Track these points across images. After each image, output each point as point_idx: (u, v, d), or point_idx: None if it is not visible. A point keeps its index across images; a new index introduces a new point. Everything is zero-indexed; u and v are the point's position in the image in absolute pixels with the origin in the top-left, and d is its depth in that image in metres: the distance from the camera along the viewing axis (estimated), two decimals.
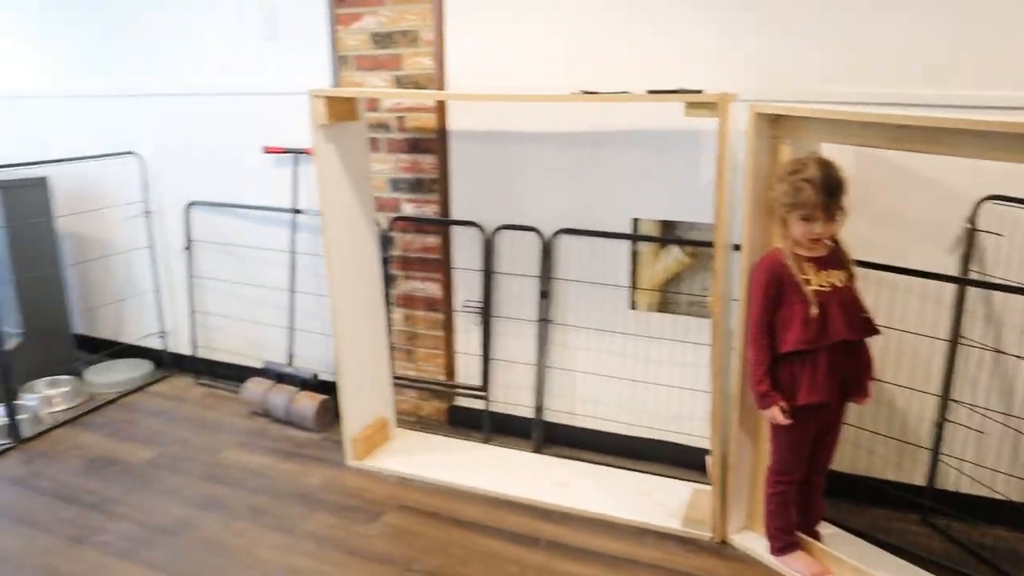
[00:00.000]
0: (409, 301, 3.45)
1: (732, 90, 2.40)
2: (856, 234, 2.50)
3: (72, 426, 3.57)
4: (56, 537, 2.73)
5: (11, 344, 3.72)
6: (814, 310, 2.20)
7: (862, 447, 2.80)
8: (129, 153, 3.91)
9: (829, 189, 2.17)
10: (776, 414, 2.29)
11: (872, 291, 2.63)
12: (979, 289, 2.55)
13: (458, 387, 3.42)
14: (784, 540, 2.45)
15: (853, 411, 2.66)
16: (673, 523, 2.68)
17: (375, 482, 3.02)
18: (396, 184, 3.36)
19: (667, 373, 3.05)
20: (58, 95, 4.08)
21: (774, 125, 2.35)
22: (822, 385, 2.23)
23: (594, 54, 2.88)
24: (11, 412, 3.42)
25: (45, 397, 3.70)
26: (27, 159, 3.82)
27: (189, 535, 2.71)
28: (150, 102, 3.84)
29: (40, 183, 3.91)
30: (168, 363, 4.11)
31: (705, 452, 2.72)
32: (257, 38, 3.51)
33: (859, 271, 2.36)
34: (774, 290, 2.27)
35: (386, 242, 3.39)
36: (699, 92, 2.38)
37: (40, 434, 3.48)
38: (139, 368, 4.05)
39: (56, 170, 3.95)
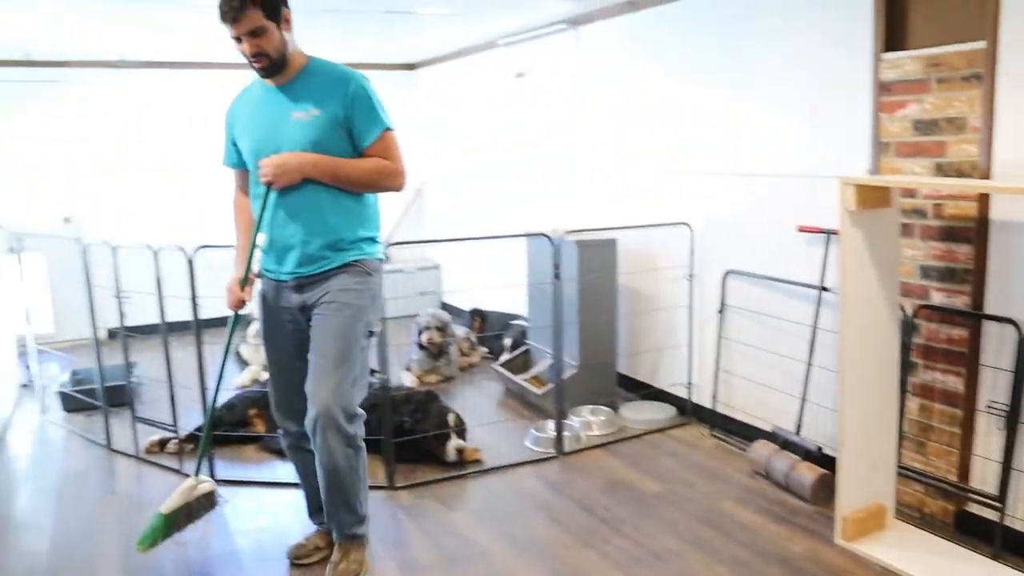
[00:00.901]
0: (927, 392, 3.33)
1: None
2: None
3: (602, 450, 4.18)
4: (572, 536, 3.28)
5: (569, 373, 4.49)
6: None
7: None
8: (682, 224, 4.45)
9: None
10: None
11: None
12: None
13: (970, 491, 3.19)
14: None
15: None
16: None
17: (859, 566, 3.00)
18: (926, 271, 3.30)
19: None
20: (636, 171, 4.83)
21: None
22: None
23: None
24: (559, 429, 4.14)
25: (586, 422, 4.39)
26: (602, 225, 4.60)
27: (675, 564, 3.03)
28: (704, 180, 4.34)
29: (610, 244, 4.67)
30: (689, 411, 4.54)
31: None
32: (801, 124, 3.75)
33: None
34: None
35: (908, 329, 3.33)
36: None
37: (577, 451, 4.15)
38: (664, 411, 4.55)
39: (623, 234, 4.67)
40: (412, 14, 4.97)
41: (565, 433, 4.16)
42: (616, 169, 4.99)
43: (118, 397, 4.50)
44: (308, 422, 2.77)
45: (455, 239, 4.99)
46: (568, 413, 4.36)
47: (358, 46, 6.29)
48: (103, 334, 4.71)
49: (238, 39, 2.65)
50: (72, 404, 4.94)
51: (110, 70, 6.65)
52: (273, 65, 2.72)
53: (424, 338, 5.35)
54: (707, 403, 4.44)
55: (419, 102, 7.74)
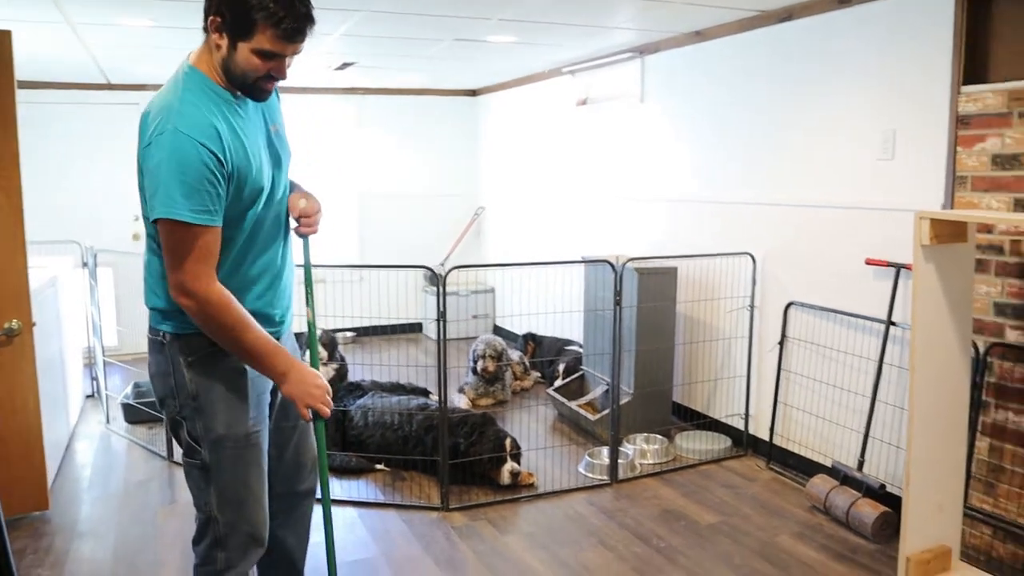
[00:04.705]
0: (999, 432, 3.24)
1: None
2: None
3: (656, 479, 4.13)
4: (625, 564, 3.24)
5: (624, 400, 4.47)
6: None
7: None
8: (745, 254, 4.41)
9: None
10: None
11: None
12: None
13: None
14: None
15: None
16: None
17: None
18: (1000, 308, 3.22)
19: None
20: (699, 200, 4.81)
21: None
22: None
23: None
24: (614, 456, 4.11)
25: (640, 449, 4.35)
26: (662, 252, 4.59)
27: None
28: (769, 210, 4.30)
29: (670, 272, 4.65)
30: (746, 443, 4.47)
31: None
32: (873, 157, 3.71)
33: None
34: None
35: (981, 367, 3.26)
36: None
37: (631, 479, 4.11)
38: (720, 442, 4.49)
39: (683, 263, 4.64)
40: (481, 42, 5.04)
41: (619, 460, 4.13)
42: (680, 198, 4.98)
43: None
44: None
45: (517, 263, 5.00)
46: (622, 440, 4.33)
47: (423, 70, 6.40)
48: None
49: (280, 56, 2.03)
50: (134, 416, 5.04)
51: None
52: None
53: (479, 366, 5.38)
54: (764, 435, 4.37)
55: (480, 127, 7.84)
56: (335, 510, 3.73)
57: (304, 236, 2.32)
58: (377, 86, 7.42)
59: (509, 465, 3.99)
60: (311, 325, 2.34)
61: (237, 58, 2.01)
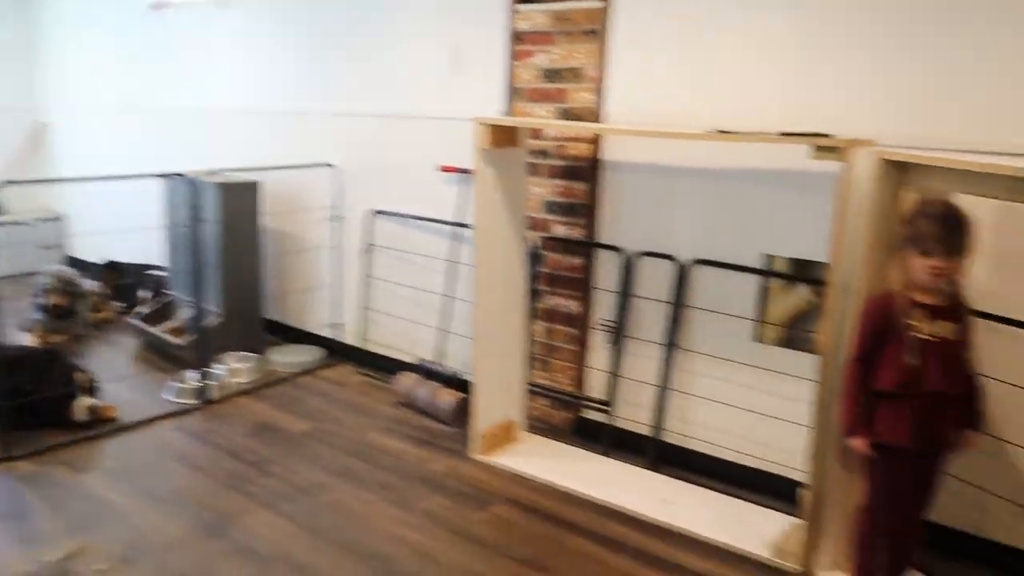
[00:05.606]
0: (551, 316, 3.67)
1: (866, 134, 2.46)
2: (992, 287, 2.47)
3: (249, 396, 4.07)
4: (215, 482, 3.16)
5: (212, 321, 4.30)
6: (912, 359, 2.20)
7: (974, 503, 2.69)
8: (327, 165, 4.42)
9: (948, 223, 2.16)
10: (858, 445, 2.31)
11: (1003, 345, 2.56)
12: None
13: (585, 400, 3.59)
14: None
15: (967, 465, 2.59)
16: (763, 551, 2.71)
17: (492, 476, 3.25)
18: (550, 207, 3.61)
19: (783, 406, 3.07)
20: (273, 112, 4.69)
21: (899, 171, 2.37)
22: (906, 429, 2.22)
23: (740, 95, 3.00)
24: (203, 378, 3.96)
25: (232, 369, 4.24)
26: (244, 165, 4.42)
27: (322, 497, 3.06)
28: (349, 121, 4.34)
29: (253, 186, 4.50)
30: (338, 351, 4.56)
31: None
32: (442, 69, 3.89)
33: (992, 325, 2.33)
34: (879, 328, 2.28)
35: (536, 259, 3.63)
36: (827, 136, 2.45)
37: (223, 399, 4.00)
38: (313, 353, 4.53)
39: (266, 175, 4.53)
40: None
41: (210, 382, 3.99)
42: (261, 109, 4.81)
43: None
44: None
45: (81, 179, 4.49)
46: (213, 362, 4.18)
47: None
48: None
49: None
50: None
51: None
52: None
53: (47, 301, 4.81)
54: (355, 342, 4.50)
55: (41, 34, 6.83)
56: None
57: None
58: None
59: (84, 401, 3.65)
60: None
61: None
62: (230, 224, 4.36)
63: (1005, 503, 2.65)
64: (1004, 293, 2.54)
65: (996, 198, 2.17)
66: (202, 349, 4.00)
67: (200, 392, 3.94)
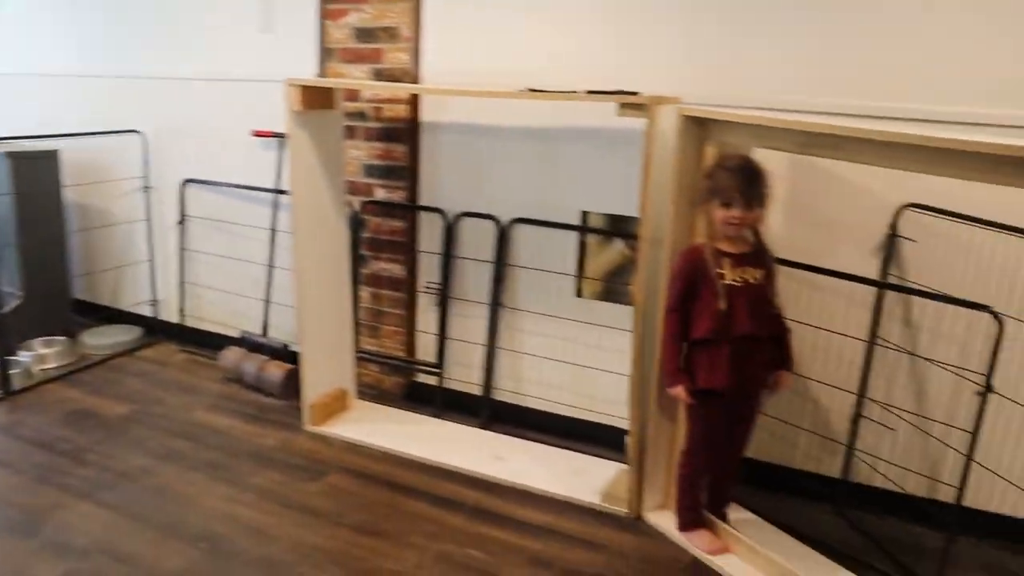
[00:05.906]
0: (376, 281, 3.64)
1: (674, 92, 2.56)
2: (787, 235, 2.65)
3: (60, 383, 3.81)
4: (24, 477, 2.96)
5: (11, 305, 3.98)
6: (722, 304, 2.34)
7: (785, 439, 2.92)
8: (133, 131, 4.15)
9: (746, 175, 2.30)
10: (679, 393, 2.44)
11: (799, 290, 2.76)
12: (898, 293, 2.67)
13: (416, 364, 3.60)
14: (689, 517, 2.59)
15: (777, 404, 2.79)
16: (595, 499, 2.83)
17: (325, 446, 3.22)
18: (370, 170, 3.55)
19: (607, 358, 3.20)
20: (71, 75, 4.35)
21: (700, 128, 2.49)
22: (722, 373, 2.37)
23: (553, 55, 3.05)
24: (4, 367, 3.67)
25: (39, 355, 3.95)
26: (40, 132, 4.09)
27: (146, 482, 2.92)
28: (154, 84, 4.09)
29: (51, 155, 4.17)
30: (157, 330, 4.35)
31: None
32: (253, 29, 3.72)
33: (788, 271, 2.50)
34: (691, 280, 2.41)
35: (358, 224, 3.58)
36: (634, 94, 2.53)
37: (29, 388, 3.72)
38: (130, 333, 4.29)
39: (66, 143, 4.20)
40: None
41: (13, 371, 3.70)
42: (60, 72, 4.44)
43: None
44: None
45: None
46: (16, 349, 3.88)
47: None
48: None
49: None
50: None
51: None
52: None
53: None
54: (175, 319, 4.30)
55: None
56: None
57: None
58: None
59: None
60: None
61: None
62: (26, 197, 4.02)
63: (812, 436, 2.88)
64: (796, 240, 2.74)
65: (789, 152, 2.33)
66: (1, 335, 3.70)
67: (3, 382, 3.66)
